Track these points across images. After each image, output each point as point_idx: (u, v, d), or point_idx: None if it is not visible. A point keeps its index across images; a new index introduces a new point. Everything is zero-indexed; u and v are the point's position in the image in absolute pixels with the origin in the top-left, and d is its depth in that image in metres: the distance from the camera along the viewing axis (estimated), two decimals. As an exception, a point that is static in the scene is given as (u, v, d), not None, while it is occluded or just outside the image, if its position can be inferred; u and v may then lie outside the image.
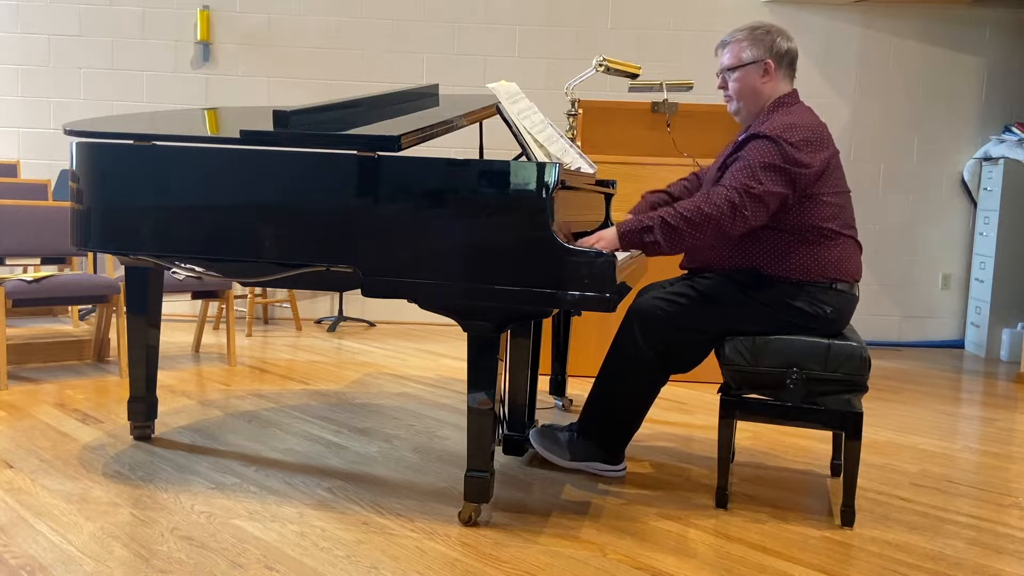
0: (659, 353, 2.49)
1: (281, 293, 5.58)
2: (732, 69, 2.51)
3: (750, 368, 2.38)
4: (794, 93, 2.53)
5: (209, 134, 2.85)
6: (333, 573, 1.98)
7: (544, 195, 2.14)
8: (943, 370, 4.87)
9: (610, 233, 2.35)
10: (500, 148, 3.13)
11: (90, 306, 4.81)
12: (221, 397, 3.58)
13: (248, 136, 2.37)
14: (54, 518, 2.24)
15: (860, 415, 2.35)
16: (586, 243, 2.31)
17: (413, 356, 4.66)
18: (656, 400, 2.60)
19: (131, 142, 2.55)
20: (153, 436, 2.96)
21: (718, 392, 2.46)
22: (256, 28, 5.58)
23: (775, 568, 2.09)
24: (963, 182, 5.59)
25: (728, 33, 2.56)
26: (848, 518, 2.37)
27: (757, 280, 2.44)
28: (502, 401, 2.82)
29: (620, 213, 3.39)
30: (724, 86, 2.56)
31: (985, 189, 5.40)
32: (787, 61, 2.52)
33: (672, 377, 2.58)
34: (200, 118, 3.20)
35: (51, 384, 3.69)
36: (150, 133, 2.58)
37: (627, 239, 2.34)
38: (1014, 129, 5.32)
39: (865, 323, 5.41)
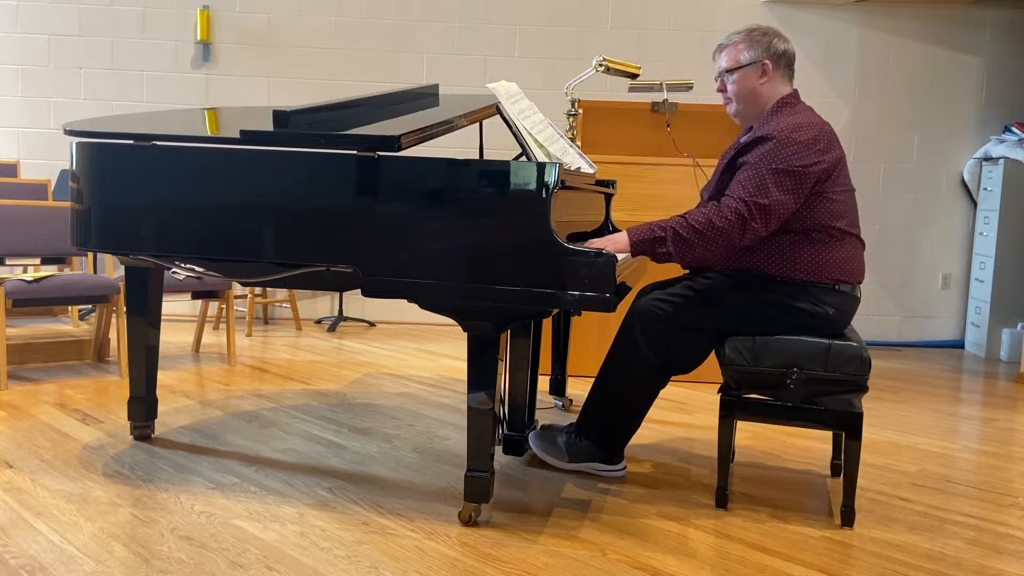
0: (659, 353, 2.49)
1: (281, 293, 5.58)
2: (730, 71, 2.52)
3: (750, 368, 2.38)
4: (795, 94, 2.54)
5: (209, 134, 2.85)
6: (333, 573, 1.98)
7: (544, 195, 2.14)
8: (943, 370, 4.87)
9: (622, 240, 2.36)
10: (500, 148, 3.13)
11: (90, 306, 4.81)
12: (221, 397, 3.58)
13: (248, 136, 2.37)
14: (54, 518, 2.24)
15: (860, 415, 2.35)
16: (594, 246, 2.30)
17: (413, 356, 4.66)
18: (656, 400, 2.60)
19: (131, 142, 2.55)
20: (153, 436, 2.96)
21: (718, 392, 2.46)
22: (256, 28, 5.58)
23: (775, 568, 2.09)
24: (963, 182, 5.59)
25: (725, 36, 2.57)
26: (848, 518, 2.37)
27: (760, 280, 2.44)
28: (502, 401, 2.82)
29: (620, 213, 3.40)
30: (723, 89, 2.57)
31: (985, 189, 5.39)
32: (785, 62, 2.53)
33: (672, 377, 2.58)
34: (200, 118, 3.20)
35: (51, 384, 3.69)
36: (150, 133, 2.58)
37: (639, 248, 2.36)
38: (1014, 129, 5.32)
39: (865, 323, 5.42)
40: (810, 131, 2.38)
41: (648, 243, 2.35)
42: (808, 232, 2.40)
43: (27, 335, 4.20)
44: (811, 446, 3.16)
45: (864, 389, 2.36)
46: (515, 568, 2.03)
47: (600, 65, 3.53)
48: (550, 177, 2.14)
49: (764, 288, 2.43)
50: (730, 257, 2.47)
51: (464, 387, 2.24)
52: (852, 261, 2.45)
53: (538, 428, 2.80)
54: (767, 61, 2.49)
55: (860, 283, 2.49)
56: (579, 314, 3.70)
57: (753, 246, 2.43)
